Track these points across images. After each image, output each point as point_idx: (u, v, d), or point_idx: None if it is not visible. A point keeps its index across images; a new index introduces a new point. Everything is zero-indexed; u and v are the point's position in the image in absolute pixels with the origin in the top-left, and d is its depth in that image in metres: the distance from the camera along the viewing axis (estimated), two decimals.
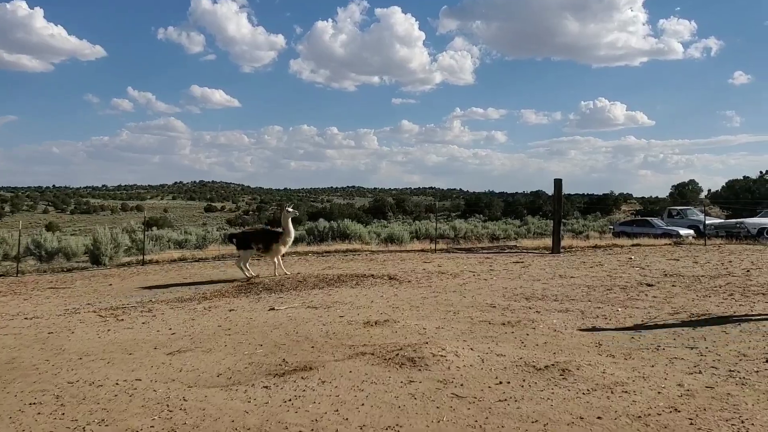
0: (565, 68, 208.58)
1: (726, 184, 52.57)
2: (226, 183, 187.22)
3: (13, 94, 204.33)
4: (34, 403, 4.37)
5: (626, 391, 4.31)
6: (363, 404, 4.17)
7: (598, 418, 3.83)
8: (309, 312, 7.76)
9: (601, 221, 46.76)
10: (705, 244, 17.73)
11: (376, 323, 6.85)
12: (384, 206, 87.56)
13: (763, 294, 8.17)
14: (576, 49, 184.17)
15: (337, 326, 6.80)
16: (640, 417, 3.83)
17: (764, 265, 10.58)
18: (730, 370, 4.81)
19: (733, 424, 3.70)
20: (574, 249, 17.07)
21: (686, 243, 18.63)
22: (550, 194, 18.99)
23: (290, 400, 4.30)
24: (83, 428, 3.89)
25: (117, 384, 4.82)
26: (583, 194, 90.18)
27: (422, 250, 17.72)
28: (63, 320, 7.82)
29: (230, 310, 8.12)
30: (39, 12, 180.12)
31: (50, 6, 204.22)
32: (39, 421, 4.02)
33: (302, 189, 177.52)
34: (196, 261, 15.46)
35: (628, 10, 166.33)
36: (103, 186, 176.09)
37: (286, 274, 11.27)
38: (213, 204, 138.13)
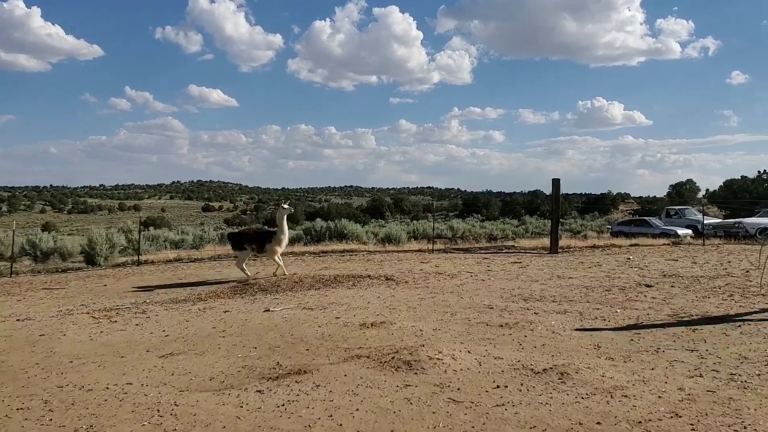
0: (562, 68, 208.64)
1: (724, 183, 52.62)
2: (223, 182, 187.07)
3: (11, 93, 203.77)
4: (22, 408, 4.28)
5: (626, 396, 4.23)
6: (357, 409, 4.08)
7: (598, 423, 3.75)
8: (304, 313, 7.67)
9: (599, 221, 46.72)
10: (703, 244, 17.67)
11: (372, 325, 6.76)
12: (382, 206, 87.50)
13: (763, 295, 8.10)
14: (574, 48, 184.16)
15: (332, 328, 6.71)
16: (640, 422, 3.75)
17: (764, 265, 10.49)
18: (732, 374, 4.73)
19: (735, 430, 3.63)
20: (572, 249, 17.00)
21: (685, 243, 18.57)
22: (548, 194, 18.92)
23: (283, 405, 4.21)
24: None
25: (107, 388, 4.73)
26: (581, 194, 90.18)
27: (420, 251, 17.63)
28: (55, 322, 7.72)
29: (225, 312, 8.03)
30: (36, 11, 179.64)
31: (47, 5, 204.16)
32: (26, 428, 3.93)
33: (300, 188, 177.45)
34: (191, 261, 15.35)
35: (626, 10, 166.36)
36: (101, 186, 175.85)
37: (284, 275, 11.16)
38: (211, 204, 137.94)
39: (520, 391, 4.39)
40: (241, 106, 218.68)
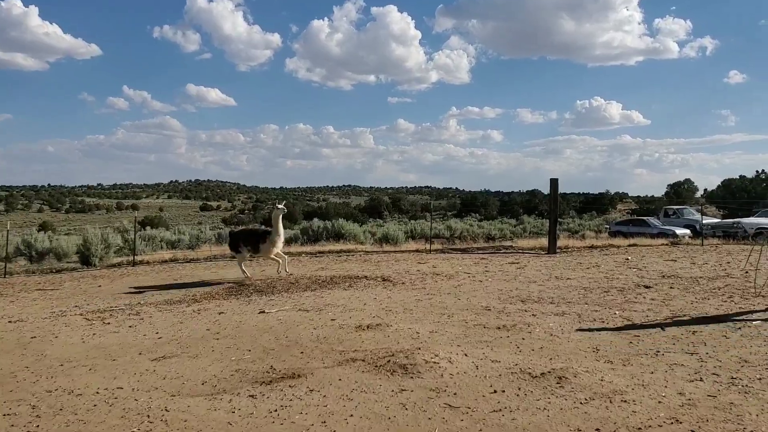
0: (560, 67, 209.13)
1: (722, 183, 52.65)
2: (221, 182, 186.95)
3: (8, 92, 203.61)
4: (8, 414, 4.19)
5: (625, 401, 4.15)
6: (352, 415, 4.00)
7: (597, 430, 3.67)
8: (300, 315, 7.58)
9: (597, 220, 46.71)
10: (702, 245, 17.61)
11: (368, 327, 6.68)
12: (380, 205, 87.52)
13: (763, 296, 8.02)
14: (572, 48, 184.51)
15: (327, 330, 6.63)
16: (640, 429, 3.67)
17: (762, 266, 10.43)
18: (732, 378, 4.65)
19: None
20: (570, 249, 16.92)
21: (683, 243, 18.50)
22: (546, 193, 18.84)
23: (276, 410, 4.13)
24: None
25: (97, 393, 4.64)
26: (579, 193, 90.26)
27: (417, 251, 17.54)
28: (48, 324, 7.62)
29: (220, 313, 7.94)
30: (34, 10, 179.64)
31: (45, 4, 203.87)
32: None
33: (298, 188, 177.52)
34: (187, 262, 15.24)
35: (624, 10, 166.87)
36: (99, 185, 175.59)
37: (279, 277, 11.04)
38: (208, 203, 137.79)
39: (518, 395, 4.31)
40: (239, 106, 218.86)
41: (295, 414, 4.05)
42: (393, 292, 9.45)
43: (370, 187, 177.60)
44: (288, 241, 21.41)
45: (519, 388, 4.46)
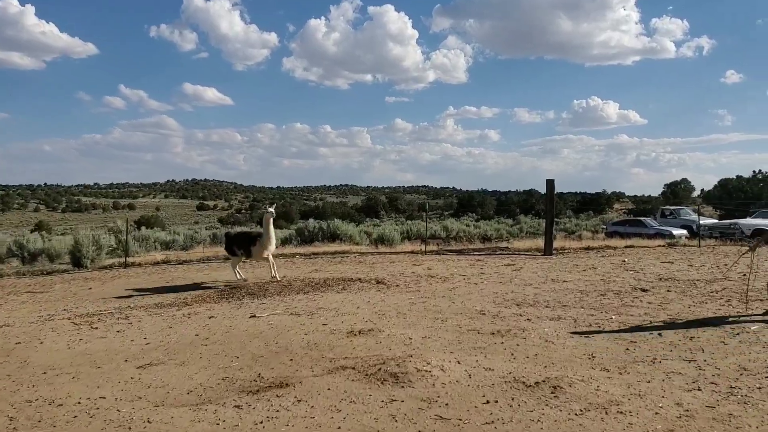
0: (558, 67, 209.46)
1: (719, 183, 52.61)
2: (218, 181, 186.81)
3: (5, 91, 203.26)
4: None
5: (621, 412, 4.04)
6: (339, 428, 3.88)
7: None
8: (291, 319, 7.45)
9: (593, 220, 46.58)
10: (699, 246, 17.52)
11: (360, 332, 6.55)
12: (377, 205, 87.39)
13: (762, 300, 7.91)
14: (569, 48, 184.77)
15: (319, 335, 6.50)
16: None
17: (760, 268, 10.35)
18: (731, 387, 4.54)
19: None
20: (566, 251, 16.81)
21: (680, 245, 18.40)
22: (543, 193, 18.71)
23: (262, 422, 4.00)
24: None
25: (79, 403, 4.51)
26: (576, 192, 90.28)
27: (412, 252, 17.41)
28: (34, 328, 7.48)
29: (210, 317, 7.81)
30: (30, 9, 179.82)
31: (42, 3, 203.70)
32: None
33: (295, 187, 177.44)
34: (179, 263, 15.07)
35: (621, 9, 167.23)
36: (95, 184, 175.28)
37: (273, 279, 10.89)
38: (205, 202, 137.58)
39: (511, 406, 4.19)
40: (236, 105, 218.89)
41: (281, 426, 3.93)
42: (387, 295, 9.32)
43: (367, 186, 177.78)
44: (283, 242, 21.30)
45: (512, 399, 4.34)
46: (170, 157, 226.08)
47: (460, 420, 3.95)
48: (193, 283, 11.36)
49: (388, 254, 16.85)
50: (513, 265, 13.28)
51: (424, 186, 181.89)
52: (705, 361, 5.26)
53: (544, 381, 4.66)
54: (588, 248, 17.31)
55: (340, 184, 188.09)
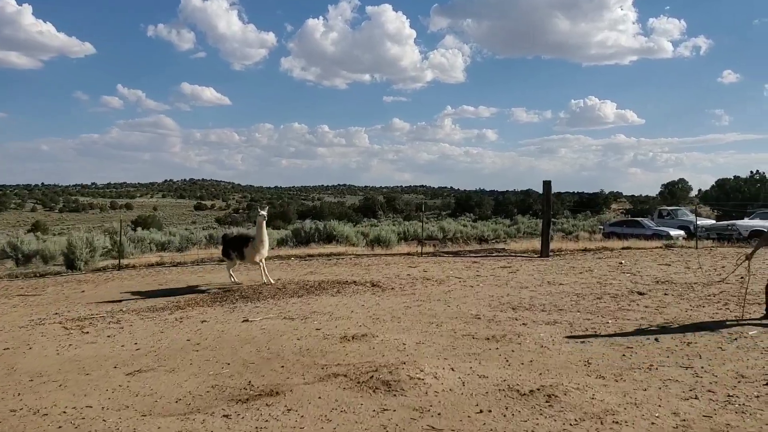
0: (555, 67, 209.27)
1: (716, 183, 52.57)
2: (216, 181, 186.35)
3: (2, 91, 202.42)
4: None
5: (617, 422, 3.96)
6: None
7: None
8: (284, 324, 7.37)
9: (591, 221, 46.53)
10: (696, 248, 17.45)
11: (353, 338, 6.47)
12: (374, 205, 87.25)
13: (759, 304, 7.83)
14: (566, 47, 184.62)
15: (311, 341, 6.41)
16: None
17: (758, 271, 10.26)
18: (729, 395, 4.46)
19: None
20: (563, 252, 16.74)
21: (677, 246, 18.32)
22: (541, 193, 18.62)
23: None
24: None
25: (64, 412, 4.42)
26: (574, 192, 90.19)
27: (408, 254, 17.31)
28: (24, 333, 7.39)
29: (202, 322, 7.71)
30: (27, 8, 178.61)
31: (39, 3, 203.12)
32: None
33: (293, 187, 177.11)
34: (174, 266, 14.96)
35: (618, 9, 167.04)
36: (93, 184, 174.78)
37: (264, 283, 10.74)
38: (203, 202, 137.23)
39: (505, 416, 4.11)
40: (233, 105, 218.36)
41: None
42: (382, 298, 9.24)
43: (365, 186, 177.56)
44: (279, 243, 21.20)
45: (506, 408, 4.26)
46: (168, 156, 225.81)
47: (453, 430, 3.87)
48: (187, 285, 11.27)
49: (384, 256, 16.77)
50: (509, 267, 13.20)
51: (422, 186, 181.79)
52: (702, 367, 5.19)
53: (539, 389, 4.58)
54: (585, 250, 17.24)
55: (338, 184, 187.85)
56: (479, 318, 7.50)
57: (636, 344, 6.04)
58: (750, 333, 6.42)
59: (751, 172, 53.04)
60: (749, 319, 7.12)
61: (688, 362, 5.36)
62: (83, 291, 11.18)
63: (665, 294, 9.10)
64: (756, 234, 19.23)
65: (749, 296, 8.11)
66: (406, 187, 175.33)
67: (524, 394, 4.52)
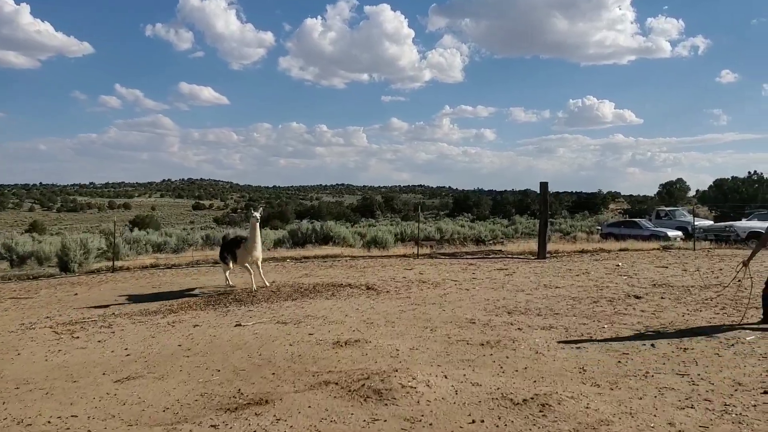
0: (553, 66, 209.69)
1: (714, 183, 52.47)
2: (214, 181, 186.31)
3: (0, 90, 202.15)
4: None
5: None
6: None
7: None
8: (277, 328, 7.28)
9: (588, 221, 46.52)
10: (694, 249, 17.39)
11: (346, 343, 6.39)
12: (373, 205, 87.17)
13: (757, 308, 7.75)
14: (565, 47, 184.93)
15: (304, 347, 6.33)
16: None
17: (755, 273, 10.17)
18: (726, 404, 4.38)
19: None
20: (560, 254, 16.67)
21: (675, 248, 18.25)
22: (538, 193, 18.55)
23: None
24: None
25: (49, 422, 4.34)
26: (572, 192, 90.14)
27: (404, 256, 17.23)
28: (13, 338, 7.30)
29: (194, 326, 7.63)
30: (25, 8, 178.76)
31: (37, 2, 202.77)
32: None
33: (291, 187, 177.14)
34: (168, 268, 14.86)
35: (617, 9, 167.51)
36: (91, 183, 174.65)
37: (260, 286, 10.63)
38: (201, 202, 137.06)
39: (497, 426, 4.03)
40: (232, 104, 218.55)
41: None
42: (376, 301, 9.16)
43: (364, 185, 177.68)
44: (275, 244, 21.11)
45: (499, 418, 4.18)
46: (166, 156, 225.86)
47: None
48: (181, 288, 11.18)
49: (380, 258, 16.68)
50: (506, 269, 13.13)
51: (420, 185, 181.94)
52: (699, 375, 5.12)
53: (532, 398, 4.50)
54: (582, 251, 17.18)
55: (336, 184, 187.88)
56: (474, 322, 7.43)
57: (632, 350, 5.96)
58: (747, 338, 6.35)
59: (749, 172, 52.95)
60: (747, 324, 7.05)
61: (684, 369, 5.29)
62: (76, 294, 11.08)
63: (662, 298, 9.03)
64: (754, 235, 19.17)
65: (745, 300, 8.04)
66: (404, 186, 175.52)
67: (518, 403, 4.44)
